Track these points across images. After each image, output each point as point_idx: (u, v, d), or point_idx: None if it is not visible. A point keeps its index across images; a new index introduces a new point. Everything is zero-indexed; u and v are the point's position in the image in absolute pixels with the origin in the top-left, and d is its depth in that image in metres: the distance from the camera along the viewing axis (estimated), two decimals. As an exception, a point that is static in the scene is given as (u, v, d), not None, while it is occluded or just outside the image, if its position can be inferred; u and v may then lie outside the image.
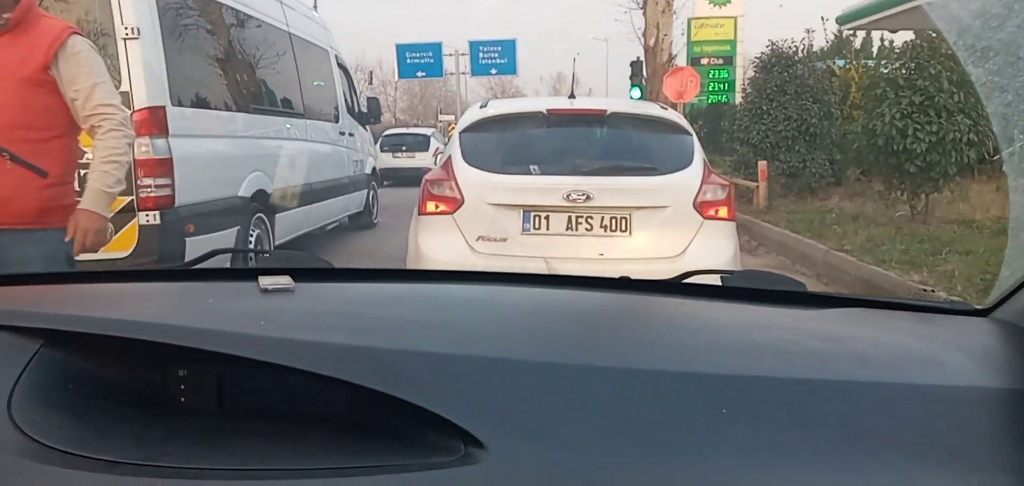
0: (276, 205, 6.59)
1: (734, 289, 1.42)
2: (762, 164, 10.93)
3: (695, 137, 4.64)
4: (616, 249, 4.11)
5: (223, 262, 1.52)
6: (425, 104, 62.70)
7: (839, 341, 1.11)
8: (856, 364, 1.01)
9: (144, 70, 4.81)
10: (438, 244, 4.17)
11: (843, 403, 0.90)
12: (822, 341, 1.10)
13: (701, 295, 1.44)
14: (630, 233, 4.12)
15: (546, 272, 1.62)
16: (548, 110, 4.62)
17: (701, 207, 4.17)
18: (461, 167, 4.25)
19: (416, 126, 39.46)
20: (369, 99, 10.80)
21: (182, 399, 0.98)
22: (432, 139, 25.39)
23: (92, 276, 1.48)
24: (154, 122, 4.83)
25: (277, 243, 6.64)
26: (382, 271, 1.71)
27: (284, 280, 1.21)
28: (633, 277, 1.50)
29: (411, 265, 4.44)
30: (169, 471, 0.84)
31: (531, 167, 4.32)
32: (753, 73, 12.99)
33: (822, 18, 18.56)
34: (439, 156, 11.76)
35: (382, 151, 20.72)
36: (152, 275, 1.64)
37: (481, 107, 4.92)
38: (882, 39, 14.87)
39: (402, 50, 43.56)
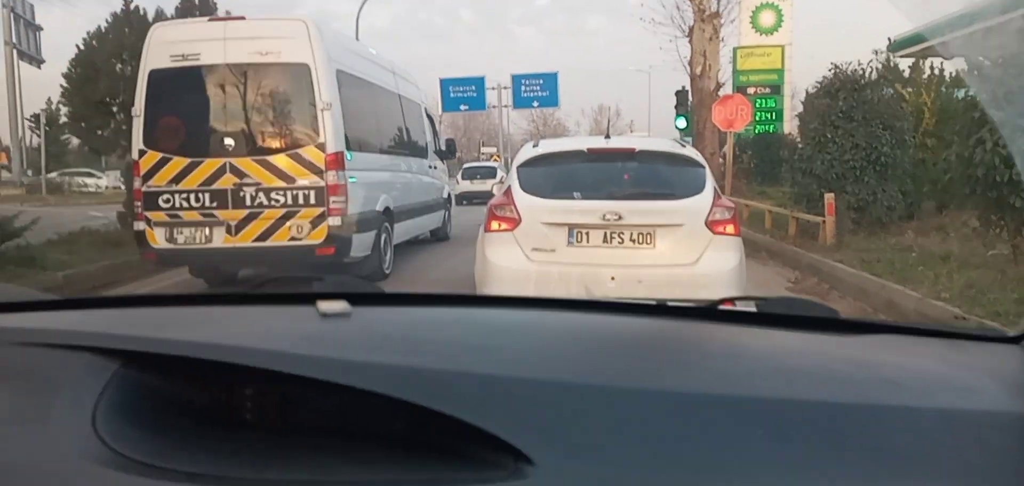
0: (394, 218, 9.41)
1: (768, 315, 1.45)
2: (829, 197, 10.01)
3: (707, 168, 5.72)
4: (643, 258, 5.15)
5: (284, 287, 1.72)
6: (469, 137, 63.70)
7: (871, 367, 1.14)
8: (888, 389, 1.03)
9: (333, 128, 7.65)
10: (501, 254, 5.29)
11: (875, 427, 0.93)
12: (854, 367, 1.13)
13: (736, 321, 1.50)
14: (654, 245, 5.16)
15: (588, 298, 1.80)
16: (588, 149, 5.87)
17: (711, 225, 5.17)
18: (519, 194, 5.39)
19: (485, 161, 41.03)
20: (447, 140, 13.74)
21: (248, 416, 1.05)
22: (498, 170, 30.01)
23: (165, 299, 1.63)
24: (338, 162, 7.67)
25: (395, 242, 9.41)
26: (434, 296, 1.84)
27: (341, 305, 1.28)
28: (670, 303, 1.57)
29: (479, 272, 5.55)
30: (243, 482, 0.92)
31: (574, 193, 5.39)
32: (809, 98, 12.70)
33: (875, 51, 18.50)
34: (500, 185, 14.62)
35: (462, 178, 28.14)
36: (220, 299, 1.75)
37: (534, 146, 6.07)
38: (931, 67, 14.57)
39: (446, 84, 45.85)
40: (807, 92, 15.65)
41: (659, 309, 1.57)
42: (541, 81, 49.83)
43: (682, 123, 20.38)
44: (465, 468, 0.92)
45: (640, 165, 5.69)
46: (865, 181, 10.53)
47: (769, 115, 24.40)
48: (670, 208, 5.28)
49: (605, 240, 5.19)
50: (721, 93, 19.19)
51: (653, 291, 4.93)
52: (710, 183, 5.49)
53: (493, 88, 50.25)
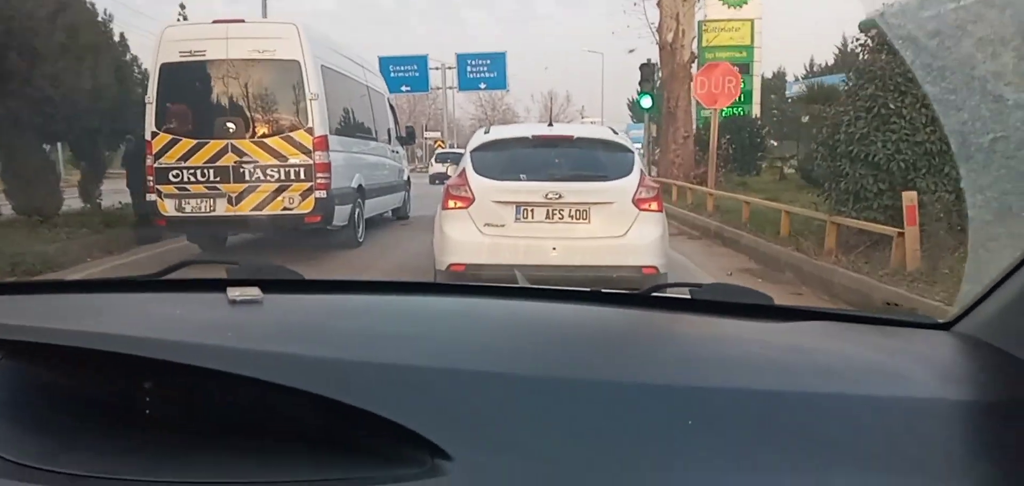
0: (365, 194, 10.91)
1: (702, 302, 1.45)
2: (909, 198, 7.16)
3: (635, 153, 6.56)
4: (580, 232, 5.98)
5: (192, 273, 1.58)
6: (415, 120, 60.56)
7: (804, 354, 1.16)
8: (820, 377, 1.05)
9: (319, 115, 9.13)
10: (457, 229, 6.06)
11: (808, 415, 0.94)
12: (788, 354, 1.15)
13: (670, 308, 1.50)
14: (589, 220, 5.99)
15: (520, 285, 1.76)
16: (533, 136, 6.65)
17: (637, 202, 6.01)
18: (473, 176, 6.16)
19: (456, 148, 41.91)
20: (407, 127, 15.28)
21: (147, 411, 0.98)
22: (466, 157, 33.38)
23: (55, 286, 1.54)
24: (324, 144, 9.16)
25: (366, 216, 10.89)
26: (353, 282, 1.81)
27: (252, 291, 1.25)
28: (604, 290, 1.57)
29: (437, 244, 6.26)
30: (135, 484, 0.85)
31: (521, 175, 6.15)
32: (855, 64, 9.78)
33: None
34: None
35: (436, 162, 31.82)
36: (119, 285, 1.61)
37: (485, 133, 6.81)
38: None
39: (385, 63, 41.25)
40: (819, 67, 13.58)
41: (591, 295, 1.55)
42: (488, 61, 47.45)
43: (647, 102, 18.58)
44: (380, 465, 0.89)
45: (578, 150, 6.58)
46: (946, 173, 7.52)
47: (738, 97, 22.97)
48: (603, 188, 6.14)
49: (547, 216, 6.00)
50: (696, 66, 16.91)
51: (588, 258, 5.95)
52: (638, 166, 6.36)
53: (436, 68, 47.16)
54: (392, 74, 39.17)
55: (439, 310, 1.49)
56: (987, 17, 1.38)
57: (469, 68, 47.10)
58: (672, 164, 19.15)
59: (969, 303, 1.26)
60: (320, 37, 10.10)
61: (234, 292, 1.28)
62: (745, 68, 23.07)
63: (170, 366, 0.95)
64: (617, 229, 6.00)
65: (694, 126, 19.50)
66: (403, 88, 43.24)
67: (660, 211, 6.19)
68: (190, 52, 9.04)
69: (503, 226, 6.02)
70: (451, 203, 6.15)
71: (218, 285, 1.37)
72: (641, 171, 6.32)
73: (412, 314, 1.42)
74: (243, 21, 9.35)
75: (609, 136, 6.96)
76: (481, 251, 5.99)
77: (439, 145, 47.34)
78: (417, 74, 45.27)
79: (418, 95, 58.04)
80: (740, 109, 22.29)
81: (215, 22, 9.26)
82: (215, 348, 0.97)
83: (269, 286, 1.37)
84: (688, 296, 1.50)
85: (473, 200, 6.07)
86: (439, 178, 26.19)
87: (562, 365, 1.06)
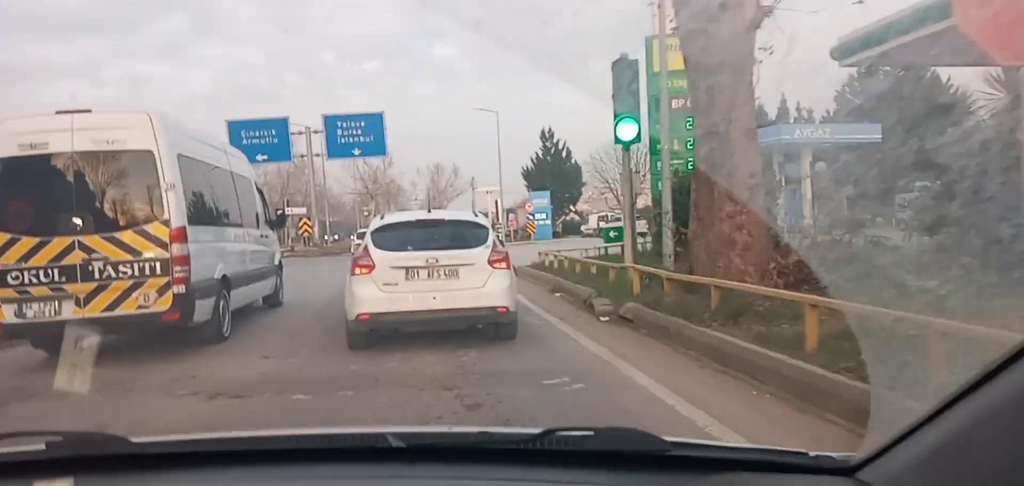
0: (231, 285, 10.55)
1: (594, 453, 1.45)
2: None
3: (490, 227, 9.59)
4: (452, 285, 8.48)
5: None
6: (289, 197, 55.17)
7: None
8: None
9: (176, 206, 8.81)
10: (362, 289, 8.49)
11: None
12: None
13: (560, 464, 1.47)
14: (458, 277, 8.55)
15: (395, 444, 1.51)
16: (417, 219, 9.66)
17: (491, 262, 8.69)
18: (373, 250, 8.77)
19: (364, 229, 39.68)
20: (277, 212, 14.94)
21: None
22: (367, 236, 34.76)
23: None
24: (182, 235, 8.82)
25: (232, 306, 10.47)
26: (195, 452, 1.59)
27: None
28: (492, 432, 1.63)
29: (347, 301, 8.63)
30: None
31: (408, 247, 8.73)
32: None
33: None
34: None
35: (356, 238, 31.84)
36: None
37: (381, 219, 9.85)
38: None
39: (235, 128, 37.83)
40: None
41: (478, 454, 1.51)
42: (363, 123, 42.20)
43: (629, 130, 12.69)
44: None
45: (449, 228, 9.30)
46: None
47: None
48: (466, 253, 8.71)
49: (429, 276, 8.52)
50: (757, 38, 9.18)
51: (459, 303, 8.35)
52: (491, 236, 9.15)
53: (299, 132, 41.70)
54: (245, 141, 35.32)
55: None
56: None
57: (340, 132, 41.86)
58: (725, 243, 9.91)
59: (875, 449, 1.27)
60: (176, 125, 9.82)
61: None
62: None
63: None
64: (478, 282, 8.52)
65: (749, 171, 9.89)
66: (259, 158, 37.97)
67: (508, 268, 8.81)
68: (31, 145, 8.57)
69: (397, 285, 8.48)
70: (357, 270, 8.61)
71: (24, 471, 1.24)
72: (493, 241, 9.04)
73: None
74: (90, 111, 8.95)
75: (470, 218, 10.15)
76: (381, 303, 8.40)
77: (306, 228, 44.38)
78: (276, 141, 40.11)
79: (288, 168, 51.54)
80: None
81: (59, 113, 8.80)
82: None
83: (87, 466, 1.26)
84: (581, 438, 1.49)
85: (374, 267, 8.53)
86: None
87: None
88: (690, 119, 14.28)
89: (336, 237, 62.28)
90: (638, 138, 13.74)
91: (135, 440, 1.48)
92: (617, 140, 13.58)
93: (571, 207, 70.09)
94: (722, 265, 9.81)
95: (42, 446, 1.37)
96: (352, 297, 8.48)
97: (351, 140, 41.86)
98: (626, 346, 8.74)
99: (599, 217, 58.22)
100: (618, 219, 53.21)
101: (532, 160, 66.96)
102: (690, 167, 17.07)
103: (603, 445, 1.46)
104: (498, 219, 53.75)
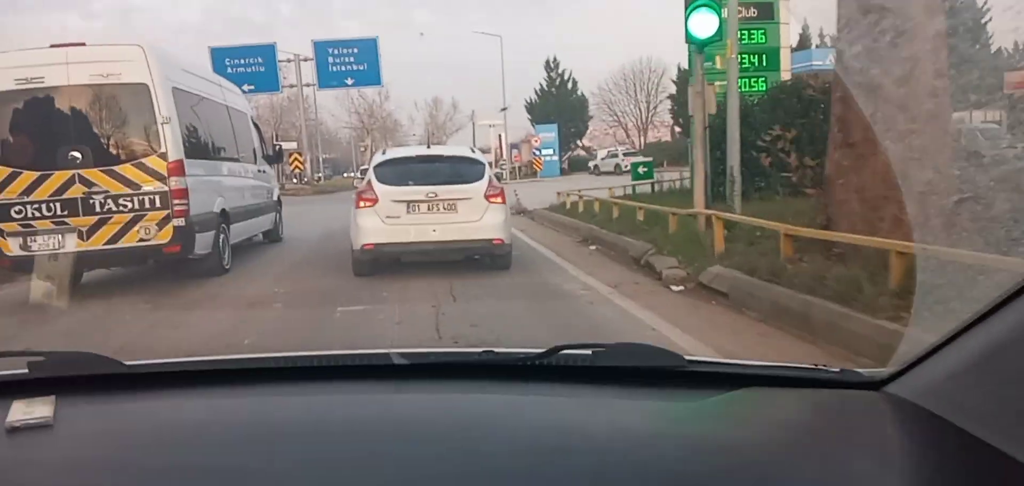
0: (230, 218, 10.70)
1: (605, 369, 1.38)
2: None
3: (486, 163, 9.95)
4: (450, 218, 8.96)
5: None
6: (283, 133, 51.42)
7: (726, 452, 1.10)
8: (739, 460, 1.02)
9: (172, 139, 8.92)
10: (366, 221, 8.97)
11: None
12: (705, 455, 1.09)
13: (569, 379, 1.40)
14: (457, 210, 9.04)
15: (397, 361, 1.45)
16: (417, 155, 10.38)
17: (487, 197, 9.16)
18: (376, 184, 9.23)
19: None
20: (275, 146, 15.02)
21: None
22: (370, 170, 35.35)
23: None
24: (180, 168, 8.94)
25: (232, 241, 10.66)
26: (185, 371, 1.52)
27: (41, 412, 1.09)
28: (497, 351, 1.51)
29: (352, 232, 9.13)
30: None
31: (409, 182, 9.19)
32: None
33: None
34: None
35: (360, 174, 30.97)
36: None
37: (383, 154, 10.06)
38: None
39: (219, 55, 34.77)
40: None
41: (482, 369, 1.47)
42: (355, 50, 38.05)
43: (709, 21, 10.30)
44: None
45: (448, 165, 9.82)
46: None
47: (758, 59, 15.12)
48: (464, 188, 9.19)
49: (429, 210, 9.03)
50: None
51: (457, 235, 8.80)
52: (487, 172, 9.58)
53: (288, 59, 37.60)
54: (230, 70, 32.35)
55: (303, 416, 1.29)
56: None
57: (331, 60, 37.88)
58: (891, 182, 6.69)
59: (905, 363, 1.23)
60: (170, 58, 9.88)
61: (18, 412, 1.09)
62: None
63: None
64: (475, 215, 9.04)
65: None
66: (244, 87, 30.01)
67: (503, 202, 9.39)
68: (27, 79, 8.64)
69: (399, 218, 9.00)
70: (362, 203, 9.14)
71: (5, 390, 1.17)
72: (489, 177, 9.54)
73: (264, 424, 1.23)
74: (84, 45, 9.00)
75: (468, 154, 10.40)
76: (384, 234, 8.92)
77: (296, 163, 41.65)
78: (263, 69, 36.14)
79: (281, 101, 47.20)
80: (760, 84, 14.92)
81: (53, 46, 8.86)
82: None
83: (72, 386, 1.22)
84: (589, 356, 1.40)
85: (377, 200, 9.04)
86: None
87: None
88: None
89: (327, 174, 58.48)
90: (719, 35, 10.58)
91: (124, 361, 1.43)
92: (689, 38, 10.63)
93: (578, 142, 65.60)
94: (889, 215, 6.56)
95: (24, 368, 1.32)
96: (357, 228, 9.03)
97: (344, 69, 38.28)
98: (745, 341, 5.78)
99: (608, 153, 55.39)
100: (632, 155, 49.10)
101: (536, 92, 62.65)
102: (763, 87, 14.80)
103: (614, 361, 1.40)
104: (501, 154, 51.98)
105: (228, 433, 1.22)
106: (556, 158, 54.72)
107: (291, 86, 37.82)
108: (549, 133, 54.77)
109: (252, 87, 35.61)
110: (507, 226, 9.41)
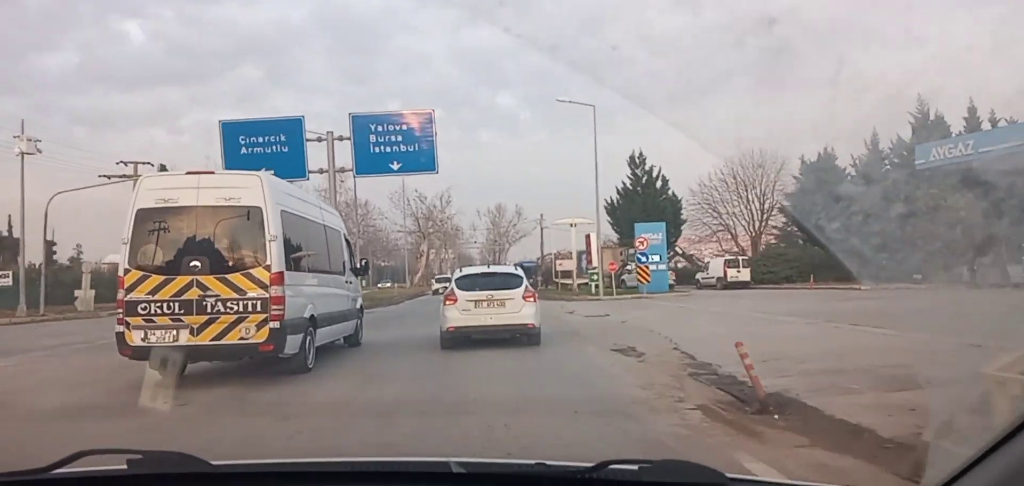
0: (318, 323, 12.16)
1: (651, 484, 1.41)
2: None
3: (523, 274, 16.02)
4: (501, 311, 14.47)
5: (89, 464, 1.48)
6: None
7: None
8: None
9: (277, 254, 10.49)
10: (451, 312, 14.53)
11: None
12: None
13: None
14: (504, 306, 14.59)
15: (456, 470, 1.54)
16: (481, 272, 16.42)
17: (524, 297, 14.82)
18: (456, 290, 14.97)
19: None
20: (362, 261, 16.73)
21: None
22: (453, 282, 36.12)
23: None
24: (280, 279, 10.47)
25: (318, 344, 12.07)
26: (266, 473, 1.66)
27: None
28: (549, 464, 1.56)
29: (441, 320, 14.65)
30: None
31: (476, 289, 14.90)
32: None
33: None
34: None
35: (437, 284, 41.94)
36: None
37: (461, 270, 17.22)
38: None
39: (230, 131, 29.91)
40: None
41: (534, 480, 1.51)
42: (404, 125, 29.75)
43: None
44: None
45: (499, 277, 15.58)
46: None
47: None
48: (510, 293, 14.66)
49: (487, 305, 14.44)
50: None
51: (504, 321, 14.10)
52: (525, 281, 15.24)
53: (318, 138, 29.63)
54: (244, 151, 28.08)
55: None
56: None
57: (373, 138, 29.79)
58: None
59: (944, 479, 1.23)
60: (280, 185, 11.64)
61: None
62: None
63: None
64: (516, 309, 14.44)
65: None
66: (262, 170, 25.40)
67: (536, 301, 14.94)
68: (165, 200, 10.43)
69: (470, 310, 14.40)
70: (447, 302, 14.65)
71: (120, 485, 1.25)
72: (525, 285, 15.01)
73: None
74: (213, 172, 10.78)
75: (512, 271, 16.47)
76: (460, 320, 14.26)
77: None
78: (287, 150, 28.70)
79: (316, 188, 35.41)
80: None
81: (188, 173, 10.66)
82: None
83: (165, 483, 1.35)
84: (635, 471, 1.45)
85: (457, 300, 14.50)
86: (438, 292, 31.19)
87: None
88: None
89: (384, 285, 55.56)
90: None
91: (212, 462, 1.56)
92: None
93: (678, 248, 57.54)
94: None
95: (124, 465, 1.44)
96: (444, 317, 14.49)
97: (389, 150, 30.13)
98: None
99: (726, 262, 47.83)
100: (734, 265, 44.28)
101: (618, 191, 56.41)
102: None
103: (659, 477, 1.42)
104: (591, 259, 44.37)
105: None
106: (664, 267, 44.11)
107: (321, 171, 30.69)
108: (655, 233, 43.41)
109: (273, 172, 27.42)
110: (537, 315, 14.68)
